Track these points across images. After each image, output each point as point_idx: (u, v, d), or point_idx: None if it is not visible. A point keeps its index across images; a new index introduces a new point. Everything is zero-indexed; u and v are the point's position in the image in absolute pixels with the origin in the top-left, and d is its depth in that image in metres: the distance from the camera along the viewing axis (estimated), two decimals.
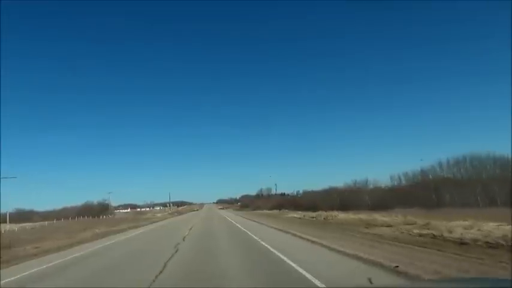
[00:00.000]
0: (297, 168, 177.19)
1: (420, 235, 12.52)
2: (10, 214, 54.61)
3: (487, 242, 9.61)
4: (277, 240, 13.72)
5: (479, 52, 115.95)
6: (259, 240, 13.77)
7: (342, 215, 26.17)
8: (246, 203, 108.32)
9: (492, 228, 11.77)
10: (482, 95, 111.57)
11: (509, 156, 27.73)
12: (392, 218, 20.35)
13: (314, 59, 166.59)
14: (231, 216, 47.90)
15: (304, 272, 6.97)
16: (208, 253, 10.97)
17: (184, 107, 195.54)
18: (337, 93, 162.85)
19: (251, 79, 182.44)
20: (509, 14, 75.88)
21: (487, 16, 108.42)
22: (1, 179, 48.27)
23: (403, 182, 36.96)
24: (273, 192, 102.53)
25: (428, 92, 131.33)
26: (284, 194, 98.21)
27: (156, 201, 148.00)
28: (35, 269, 10.05)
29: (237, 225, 25.06)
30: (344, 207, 34.17)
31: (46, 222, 54.05)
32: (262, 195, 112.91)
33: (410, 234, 13.13)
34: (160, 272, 8.00)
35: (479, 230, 11.82)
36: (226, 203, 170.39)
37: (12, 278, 8.83)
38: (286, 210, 50.88)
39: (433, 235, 12.06)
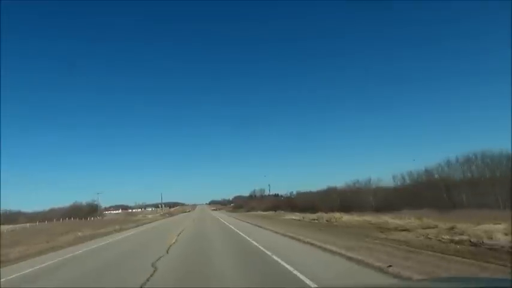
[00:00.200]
0: (291, 169, 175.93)
1: (454, 242, 10.50)
2: None
3: None
4: (284, 248, 11.54)
5: (479, 52, 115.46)
6: (265, 250, 10.67)
7: (346, 217, 24.17)
8: (240, 204, 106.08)
9: None
10: (482, 95, 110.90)
11: None
12: (405, 220, 18.38)
13: (314, 59, 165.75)
14: (224, 218, 45.68)
15: None
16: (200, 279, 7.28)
17: (180, 107, 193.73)
18: (334, 93, 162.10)
19: (249, 79, 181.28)
20: (509, 14, 75.09)
21: (487, 16, 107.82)
22: None
23: (407, 181, 35.10)
24: (267, 193, 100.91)
25: (428, 92, 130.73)
26: (278, 195, 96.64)
27: (148, 202, 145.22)
28: None
29: (235, 229, 22.90)
30: (345, 208, 32.17)
31: (28, 224, 51.11)
32: (255, 196, 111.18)
33: (440, 240, 11.11)
34: None
35: None
36: (219, 204, 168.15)
37: None
38: (282, 212, 48.81)
39: (471, 242, 10.07)
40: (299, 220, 27.97)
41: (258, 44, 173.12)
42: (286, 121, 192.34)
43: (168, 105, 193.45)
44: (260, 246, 11.80)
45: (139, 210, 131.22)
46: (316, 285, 5.97)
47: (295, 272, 7.19)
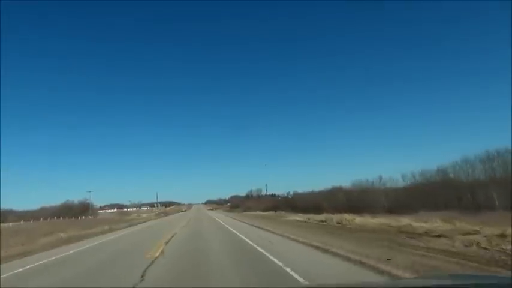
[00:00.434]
0: (288, 169, 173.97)
1: None
2: None
3: None
4: (311, 264, 9.07)
5: (479, 52, 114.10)
6: (282, 265, 7.98)
7: (358, 219, 21.79)
8: (236, 204, 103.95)
9: None
10: (482, 95, 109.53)
11: None
12: (432, 224, 16.01)
13: (314, 59, 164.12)
14: (222, 218, 43.30)
15: None
16: None
17: (176, 106, 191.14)
18: (334, 93, 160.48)
19: (248, 79, 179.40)
20: (509, 14, 73.68)
21: (487, 16, 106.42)
22: None
23: (419, 181, 32.74)
24: (263, 193, 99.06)
25: (428, 92, 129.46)
26: (275, 195, 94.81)
27: (143, 201, 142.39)
28: None
29: (234, 231, 20.48)
30: (352, 209, 29.81)
31: (11, 223, 48.35)
32: (252, 196, 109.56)
33: (503, 251, 8.73)
34: None
35: None
36: (215, 204, 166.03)
37: None
38: (283, 212, 46.47)
39: None
40: (305, 222, 25.55)
41: (258, 43, 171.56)
42: (284, 121, 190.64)
43: (165, 104, 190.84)
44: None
45: (135, 209, 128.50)
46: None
47: None
